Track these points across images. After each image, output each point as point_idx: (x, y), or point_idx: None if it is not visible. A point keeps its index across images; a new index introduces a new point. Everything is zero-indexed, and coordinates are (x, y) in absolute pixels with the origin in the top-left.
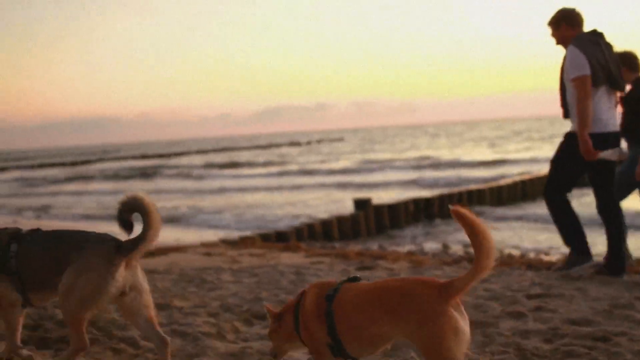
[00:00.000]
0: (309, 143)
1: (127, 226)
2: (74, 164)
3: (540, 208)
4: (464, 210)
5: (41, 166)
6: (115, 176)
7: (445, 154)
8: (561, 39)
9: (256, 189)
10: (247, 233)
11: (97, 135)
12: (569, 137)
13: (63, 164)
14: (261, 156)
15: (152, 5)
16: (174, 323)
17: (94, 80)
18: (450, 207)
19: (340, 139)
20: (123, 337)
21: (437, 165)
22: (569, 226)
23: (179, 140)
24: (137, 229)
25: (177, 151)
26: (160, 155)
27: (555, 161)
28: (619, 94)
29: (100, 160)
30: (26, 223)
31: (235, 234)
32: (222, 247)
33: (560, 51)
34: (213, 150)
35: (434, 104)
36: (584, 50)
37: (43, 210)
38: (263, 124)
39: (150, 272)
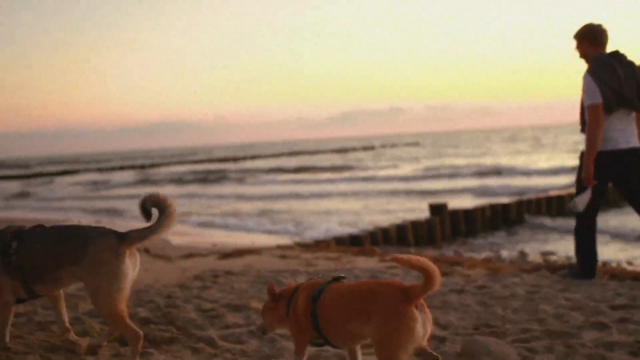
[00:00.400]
0: (383, 147)
1: (147, 215)
2: (153, 165)
3: (620, 217)
4: (402, 256)
5: (121, 168)
6: (179, 180)
7: (521, 160)
8: (582, 54)
9: (329, 195)
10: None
11: (176, 138)
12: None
13: (143, 166)
14: (333, 160)
15: (229, 11)
16: (251, 324)
17: (175, 86)
18: (390, 256)
19: (416, 144)
20: (201, 337)
21: (512, 171)
22: (588, 246)
23: (254, 143)
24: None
25: (250, 154)
26: (235, 159)
27: (577, 182)
28: None
29: (176, 163)
30: (109, 223)
31: (306, 239)
32: (297, 250)
33: (583, 64)
34: (287, 153)
35: (511, 106)
36: (597, 78)
37: (107, 213)
38: (338, 127)
39: (226, 274)
